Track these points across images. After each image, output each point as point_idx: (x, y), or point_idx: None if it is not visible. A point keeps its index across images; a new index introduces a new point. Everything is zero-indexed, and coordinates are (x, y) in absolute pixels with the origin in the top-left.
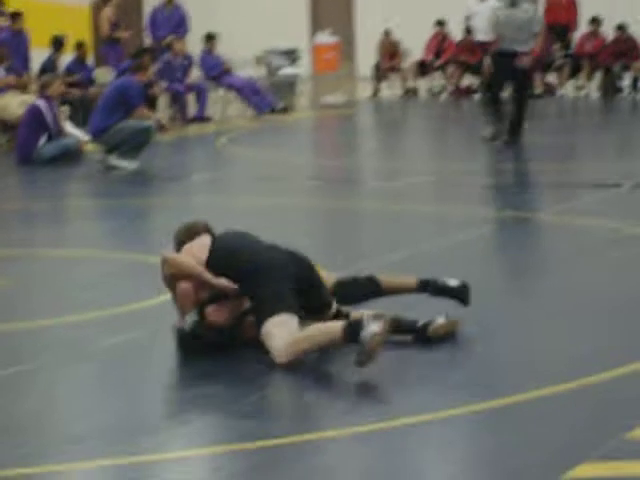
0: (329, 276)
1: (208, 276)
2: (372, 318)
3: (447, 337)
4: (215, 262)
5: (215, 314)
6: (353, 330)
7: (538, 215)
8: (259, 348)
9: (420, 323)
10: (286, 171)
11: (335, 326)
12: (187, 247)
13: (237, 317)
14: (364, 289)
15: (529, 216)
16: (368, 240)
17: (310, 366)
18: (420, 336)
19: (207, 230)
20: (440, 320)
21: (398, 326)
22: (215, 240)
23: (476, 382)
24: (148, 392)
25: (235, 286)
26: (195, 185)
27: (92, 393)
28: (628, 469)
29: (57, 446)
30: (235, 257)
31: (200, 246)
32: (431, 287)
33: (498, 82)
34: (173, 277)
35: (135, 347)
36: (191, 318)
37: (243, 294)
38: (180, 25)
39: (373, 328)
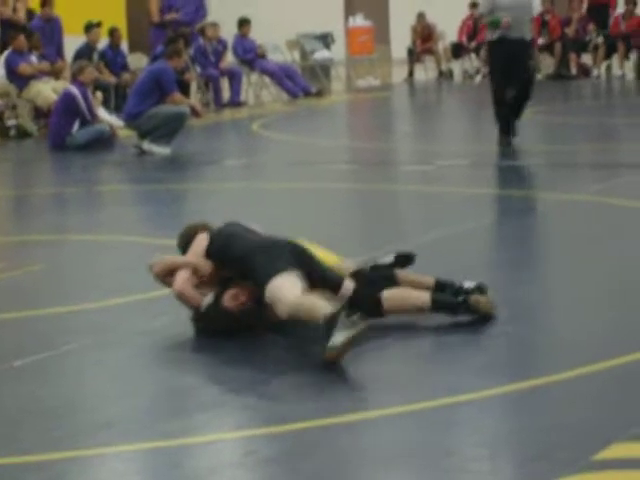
0: (345, 263)
1: (184, 259)
2: (345, 324)
3: (480, 318)
4: (213, 249)
5: (229, 300)
6: (329, 326)
7: (574, 195)
8: (286, 330)
9: (459, 299)
10: (321, 155)
11: (322, 306)
12: (191, 249)
13: (253, 304)
14: (380, 286)
15: (565, 197)
16: (402, 222)
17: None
18: (462, 312)
19: (205, 229)
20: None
21: (440, 306)
22: (213, 232)
23: (506, 364)
24: (177, 376)
25: (207, 263)
26: (229, 170)
27: (123, 378)
28: None
29: (88, 430)
30: (232, 241)
31: (198, 241)
32: (448, 289)
33: (500, 74)
34: (160, 276)
35: (166, 332)
36: (207, 301)
37: (241, 275)
38: (198, 9)
39: (338, 338)
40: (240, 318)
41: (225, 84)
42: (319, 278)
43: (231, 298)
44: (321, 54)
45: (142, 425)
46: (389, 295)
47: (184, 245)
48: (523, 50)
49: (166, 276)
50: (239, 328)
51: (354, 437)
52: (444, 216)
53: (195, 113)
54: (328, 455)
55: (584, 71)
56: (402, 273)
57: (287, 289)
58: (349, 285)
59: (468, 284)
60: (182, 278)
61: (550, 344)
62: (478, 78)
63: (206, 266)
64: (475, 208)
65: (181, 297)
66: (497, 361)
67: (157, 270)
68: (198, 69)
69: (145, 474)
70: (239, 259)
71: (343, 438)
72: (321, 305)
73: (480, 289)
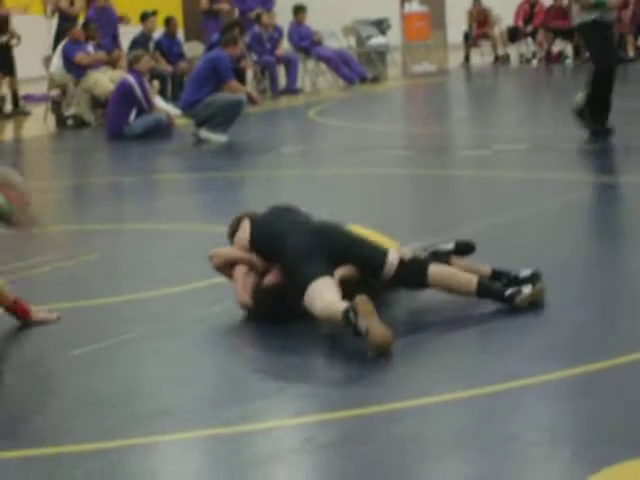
0: (402, 250)
1: (241, 255)
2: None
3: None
4: (255, 246)
5: (269, 278)
6: (348, 318)
7: (630, 179)
8: None
9: (508, 292)
10: (377, 141)
11: (337, 307)
12: (236, 239)
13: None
14: (412, 279)
15: (621, 180)
16: (462, 207)
17: (397, 333)
18: (507, 305)
19: (247, 217)
20: (526, 290)
21: (486, 292)
22: (253, 223)
23: (563, 348)
24: (235, 364)
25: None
26: (286, 157)
27: (179, 366)
28: None
29: (144, 419)
30: (267, 244)
31: (241, 232)
32: (504, 278)
33: (603, 54)
34: (220, 269)
35: (223, 319)
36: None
37: (283, 274)
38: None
39: (362, 323)
40: (283, 295)
41: (281, 71)
42: (361, 258)
43: (271, 277)
44: (377, 40)
45: (200, 412)
46: (437, 269)
47: (231, 235)
48: (613, 33)
49: (225, 268)
50: (282, 306)
51: (412, 423)
52: (502, 201)
53: (252, 101)
54: (386, 441)
55: None
56: (457, 260)
57: (314, 300)
58: (394, 259)
59: (524, 273)
60: (240, 288)
61: (608, 329)
62: (535, 62)
63: (258, 260)
64: (534, 193)
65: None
66: (554, 346)
67: (216, 263)
68: (254, 57)
69: (204, 461)
70: (279, 264)
71: (401, 424)
72: (337, 308)
73: (535, 277)
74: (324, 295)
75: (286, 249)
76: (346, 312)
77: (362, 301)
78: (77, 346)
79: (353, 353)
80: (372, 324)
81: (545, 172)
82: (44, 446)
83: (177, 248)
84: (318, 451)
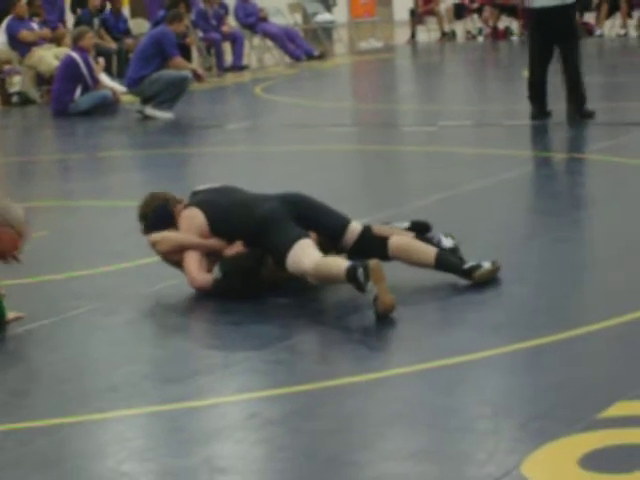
0: None
1: (197, 241)
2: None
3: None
4: (218, 229)
5: (228, 250)
6: (353, 273)
7: (579, 154)
8: (289, 292)
9: (467, 265)
10: (324, 117)
11: (340, 265)
12: (184, 227)
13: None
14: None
15: (570, 155)
16: (408, 182)
17: (346, 308)
18: (464, 278)
19: (178, 202)
20: (487, 265)
21: (444, 264)
22: (206, 208)
23: (511, 324)
24: (180, 340)
25: (223, 243)
26: (233, 133)
27: (128, 342)
28: None
29: (94, 395)
30: (232, 222)
31: (191, 218)
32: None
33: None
34: (167, 254)
35: (169, 296)
36: (216, 269)
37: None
38: None
39: (371, 286)
40: (250, 261)
41: (227, 48)
42: (323, 224)
43: (229, 249)
44: (323, 17)
45: (146, 389)
46: (397, 241)
47: (158, 222)
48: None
49: (173, 254)
50: (257, 278)
51: (358, 398)
52: (448, 177)
53: (197, 77)
54: (332, 416)
55: (588, 30)
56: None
57: (302, 259)
58: (356, 228)
59: (446, 242)
60: (194, 271)
61: (554, 304)
62: (480, 39)
63: (216, 243)
64: (479, 169)
65: (204, 291)
66: (502, 321)
67: (164, 248)
68: (200, 33)
69: (150, 437)
70: (248, 238)
71: (347, 399)
72: (337, 264)
73: (455, 250)
74: (310, 254)
75: (256, 221)
76: (354, 269)
77: (376, 265)
78: (26, 322)
79: (300, 330)
80: (382, 290)
81: (490, 148)
82: None
83: (125, 225)
84: (263, 427)
